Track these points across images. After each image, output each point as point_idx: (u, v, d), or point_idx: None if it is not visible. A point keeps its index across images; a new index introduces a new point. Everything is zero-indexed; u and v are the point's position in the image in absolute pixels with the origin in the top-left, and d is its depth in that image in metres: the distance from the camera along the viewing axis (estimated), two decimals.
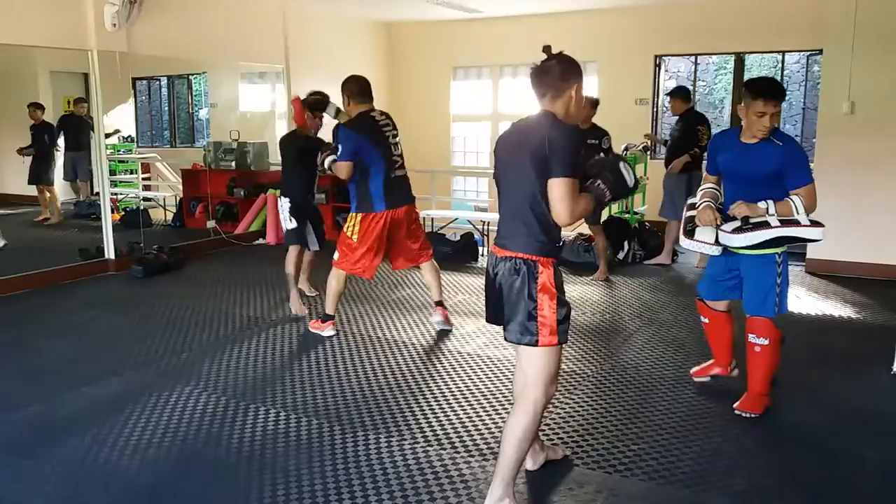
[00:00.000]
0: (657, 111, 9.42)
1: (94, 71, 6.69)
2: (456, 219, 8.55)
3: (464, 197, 11.17)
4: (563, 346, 2.69)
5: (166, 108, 9.79)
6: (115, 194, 7.90)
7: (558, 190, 2.47)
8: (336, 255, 4.80)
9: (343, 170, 4.59)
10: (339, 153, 4.60)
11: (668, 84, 9.52)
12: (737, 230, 3.47)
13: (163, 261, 6.91)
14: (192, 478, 3.10)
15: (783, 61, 9.60)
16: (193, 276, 6.81)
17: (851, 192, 6.46)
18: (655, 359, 4.47)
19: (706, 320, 3.97)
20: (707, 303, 3.91)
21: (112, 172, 7.40)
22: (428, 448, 3.29)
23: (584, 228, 7.05)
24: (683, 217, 3.82)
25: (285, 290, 5.71)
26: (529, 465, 3.02)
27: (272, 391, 4.01)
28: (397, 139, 4.76)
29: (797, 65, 12.03)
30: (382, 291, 6.13)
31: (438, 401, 3.85)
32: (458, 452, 3.25)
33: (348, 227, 4.73)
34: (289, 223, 5.49)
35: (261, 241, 8.37)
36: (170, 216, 9.07)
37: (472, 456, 3.21)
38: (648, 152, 8.10)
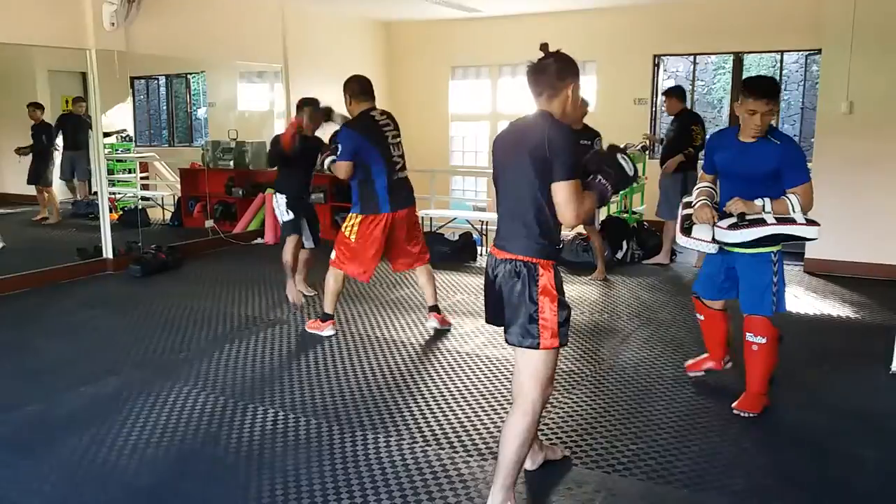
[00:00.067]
0: (656, 111, 9.42)
1: (92, 70, 6.68)
2: (454, 218, 8.56)
3: (462, 196, 11.17)
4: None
5: (164, 108, 9.77)
6: (114, 194, 7.89)
7: (563, 193, 2.46)
8: (333, 255, 4.80)
9: (342, 169, 4.59)
10: (338, 153, 4.59)
11: (666, 84, 9.50)
12: (732, 226, 3.48)
13: (161, 260, 6.90)
14: (191, 477, 3.09)
15: (782, 61, 9.60)
16: (192, 275, 6.81)
17: (850, 191, 6.47)
18: (654, 358, 4.47)
19: (701, 317, 4.00)
20: (704, 301, 3.93)
21: (110, 172, 7.40)
22: (427, 448, 3.29)
23: (583, 227, 7.04)
24: (680, 215, 3.82)
25: (289, 282, 5.79)
26: (528, 465, 3.01)
27: (270, 391, 4.01)
28: (398, 140, 4.72)
29: (796, 64, 12.02)
30: (380, 291, 6.13)
31: (437, 400, 3.85)
32: (457, 452, 3.25)
33: (346, 228, 4.72)
34: (285, 215, 5.57)
35: (259, 240, 8.37)
36: (168, 215, 9.06)
37: (471, 455, 3.21)
38: (647, 152, 8.10)
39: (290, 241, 5.57)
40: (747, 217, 3.45)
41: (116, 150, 7.75)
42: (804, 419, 3.63)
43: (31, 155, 7.84)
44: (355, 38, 10.45)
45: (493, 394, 3.92)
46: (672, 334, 4.93)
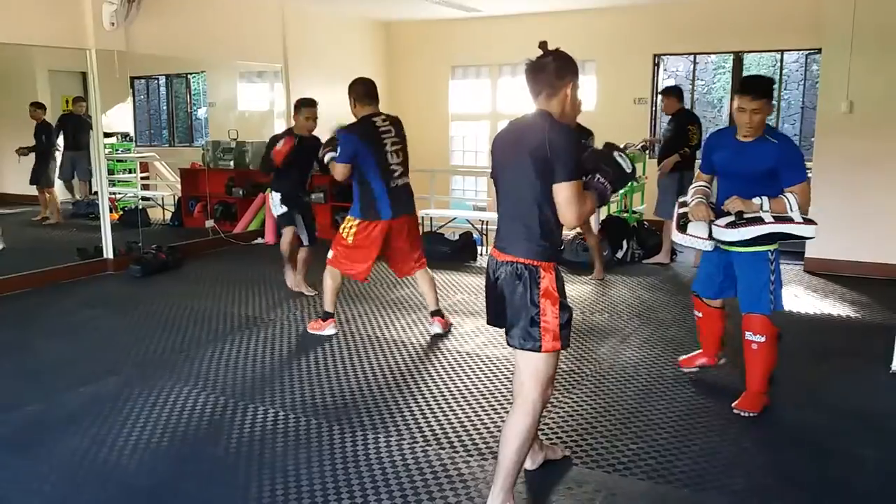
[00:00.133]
0: (656, 110, 9.41)
1: (92, 70, 6.69)
2: (455, 218, 8.56)
3: (462, 196, 11.17)
4: None
5: (165, 108, 9.77)
6: (114, 194, 7.89)
7: (564, 193, 2.44)
8: (330, 254, 4.81)
9: (338, 171, 4.61)
10: (338, 153, 4.60)
11: (667, 83, 9.49)
12: (730, 225, 3.49)
13: (161, 260, 6.90)
14: (191, 477, 3.09)
15: (782, 60, 9.60)
16: (192, 275, 6.81)
17: (850, 191, 6.47)
18: (654, 358, 4.47)
19: (699, 314, 4.03)
20: (703, 300, 3.95)
21: (111, 172, 7.40)
22: (427, 447, 3.29)
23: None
24: (676, 213, 3.84)
25: (287, 270, 6.00)
26: (528, 464, 3.01)
27: (271, 390, 4.01)
28: (398, 146, 4.64)
29: (796, 64, 12.02)
30: (381, 291, 6.13)
31: (437, 400, 3.85)
32: (457, 452, 3.25)
33: (344, 229, 4.72)
34: (279, 209, 5.77)
35: (259, 240, 8.37)
36: (168, 215, 9.06)
37: (471, 455, 3.21)
38: (647, 152, 8.10)
39: (287, 233, 5.82)
40: (745, 216, 3.46)
41: (117, 150, 7.75)
42: (804, 419, 3.63)
43: (32, 155, 7.83)
44: (355, 38, 10.45)
45: (493, 393, 3.92)
46: (672, 334, 4.93)
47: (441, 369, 4.31)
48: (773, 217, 3.42)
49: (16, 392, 4.03)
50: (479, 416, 3.64)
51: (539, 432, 3.16)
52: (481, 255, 7.50)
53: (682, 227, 3.70)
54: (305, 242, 5.89)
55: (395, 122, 4.71)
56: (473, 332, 5.00)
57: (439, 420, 3.59)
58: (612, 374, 4.21)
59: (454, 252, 7.35)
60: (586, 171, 2.60)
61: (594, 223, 6.85)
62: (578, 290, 6.09)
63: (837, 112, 6.46)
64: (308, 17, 9.27)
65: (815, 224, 3.44)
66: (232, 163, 8.64)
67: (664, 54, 9.59)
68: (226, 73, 9.26)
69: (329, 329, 4.96)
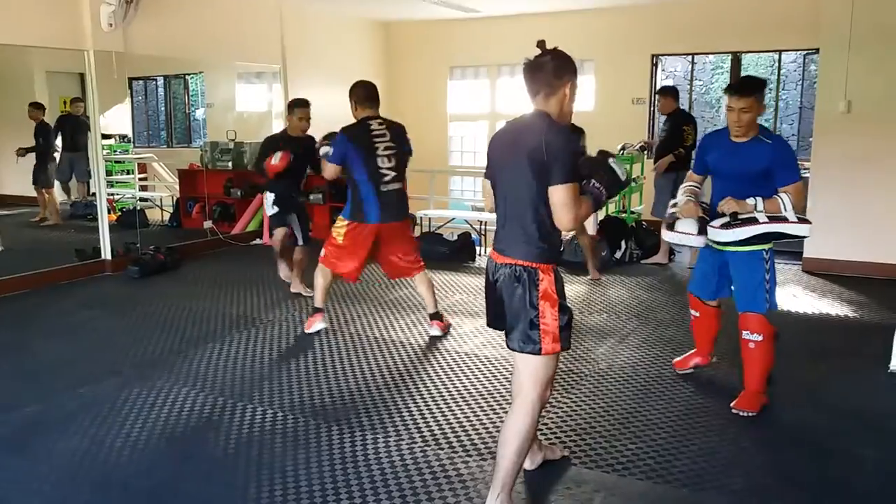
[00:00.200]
0: (654, 110, 9.42)
1: (90, 71, 6.68)
2: (453, 218, 8.56)
3: (461, 197, 11.17)
4: None
5: (163, 108, 9.77)
6: (112, 195, 7.89)
7: (560, 196, 2.42)
8: (322, 252, 4.84)
9: (327, 170, 4.68)
10: (330, 153, 4.64)
11: (665, 84, 9.50)
12: (725, 226, 3.52)
13: (159, 261, 6.89)
14: (190, 478, 3.09)
15: (780, 60, 9.62)
16: (190, 276, 6.80)
17: (848, 190, 6.48)
18: (653, 358, 4.47)
19: (696, 314, 4.05)
20: (702, 300, 3.97)
21: (109, 173, 7.39)
22: (426, 448, 3.29)
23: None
24: (666, 215, 3.86)
25: (280, 264, 6.08)
26: (528, 465, 3.00)
27: (269, 391, 4.01)
28: (391, 151, 4.59)
29: (794, 64, 12.05)
30: (379, 291, 6.13)
31: (436, 400, 3.85)
32: (456, 452, 3.25)
33: (335, 229, 4.75)
34: (271, 209, 5.79)
35: (258, 241, 8.36)
36: (166, 216, 9.06)
37: (470, 455, 3.21)
38: (645, 152, 8.11)
39: (278, 233, 5.87)
40: (740, 216, 3.48)
41: (115, 151, 7.74)
42: (803, 418, 3.63)
43: (31, 156, 7.83)
44: (354, 39, 10.45)
45: (493, 393, 3.92)
46: (671, 334, 4.93)
47: (440, 369, 4.31)
48: (768, 217, 3.44)
49: (15, 393, 4.03)
50: (478, 416, 3.64)
51: (538, 432, 3.16)
52: (480, 255, 7.50)
53: (671, 226, 3.74)
54: (300, 242, 5.91)
55: (393, 127, 4.69)
56: (472, 332, 5.00)
57: (438, 420, 3.59)
58: (611, 374, 4.21)
59: (453, 252, 7.35)
60: (581, 176, 2.57)
61: (591, 224, 6.86)
62: (577, 290, 6.09)
63: (835, 112, 6.47)
64: (306, 18, 9.27)
65: (810, 223, 3.48)
66: (230, 164, 8.63)
67: (662, 54, 9.60)
68: (224, 74, 9.26)
69: (318, 324, 5.00)
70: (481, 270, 6.69)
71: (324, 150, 4.75)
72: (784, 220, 3.43)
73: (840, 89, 6.42)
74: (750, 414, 3.60)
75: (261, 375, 4.26)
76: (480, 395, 3.90)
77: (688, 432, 3.44)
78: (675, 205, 3.80)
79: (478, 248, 7.64)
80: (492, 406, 3.75)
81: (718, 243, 3.63)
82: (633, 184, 7.72)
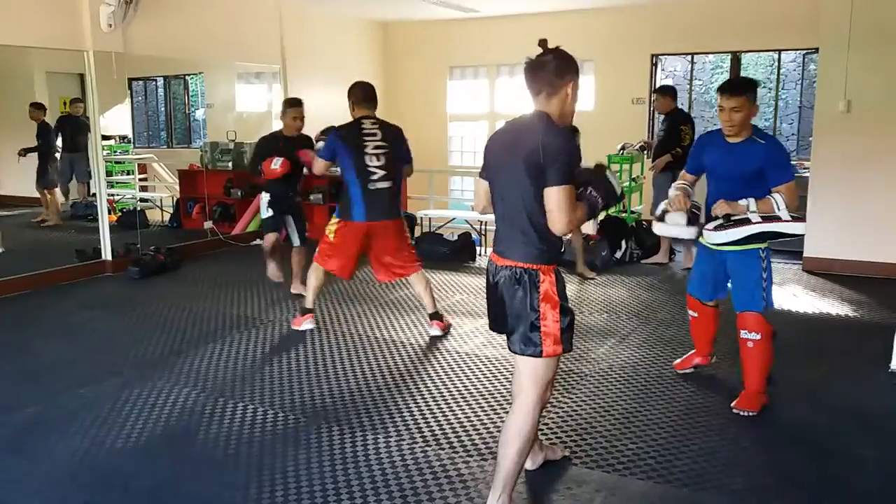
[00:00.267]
0: (654, 110, 9.42)
1: (89, 72, 6.68)
2: (453, 219, 8.55)
3: (461, 197, 11.16)
4: None
5: (163, 109, 9.77)
6: (112, 195, 7.88)
7: (556, 198, 2.40)
8: (317, 250, 4.89)
9: (316, 166, 4.81)
10: (322, 150, 4.74)
11: (664, 83, 9.50)
12: (718, 227, 3.57)
13: (159, 262, 6.89)
14: (190, 478, 3.09)
15: (779, 60, 9.61)
16: (190, 276, 6.80)
17: (848, 190, 6.48)
18: (653, 357, 4.47)
19: (695, 314, 4.06)
20: (698, 300, 3.99)
21: (109, 173, 7.39)
22: (427, 448, 3.29)
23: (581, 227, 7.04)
24: (657, 211, 3.91)
25: (269, 263, 6.00)
26: (529, 465, 3.00)
27: (270, 391, 4.01)
28: (382, 151, 4.62)
29: (793, 63, 12.04)
30: (380, 291, 6.13)
31: (437, 400, 3.85)
32: (457, 452, 3.25)
33: (328, 227, 4.81)
34: (265, 212, 5.79)
35: (258, 241, 8.33)
36: (167, 217, 9.06)
37: (471, 455, 3.21)
38: (645, 152, 8.11)
39: (269, 238, 5.85)
40: (732, 218, 3.54)
41: (115, 151, 7.74)
42: (803, 418, 3.63)
43: (34, 156, 7.82)
44: (353, 39, 10.45)
45: (493, 394, 3.92)
46: (671, 333, 4.93)
47: (441, 370, 4.31)
48: (761, 217, 3.49)
49: (15, 393, 4.03)
50: (479, 416, 3.64)
51: (539, 432, 3.16)
52: (480, 255, 7.50)
53: (660, 218, 3.79)
54: (296, 243, 5.91)
55: (388, 129, 4.72)
56: (473, 332, 5.00)
57: (439, 420, 3.59)
58: (612, 374, 4.21)
59: (453, 253, 7.35)
60: (577, 184, 2.54)
61: (591, 224, 6.86)
62: (577, 290, 6.09)
63: (835, 111, 6.47)
64: (306, 18, 9.27)
65: (804, 221, 3.52)
66: (230, 164, 8.63)
67: (662, 54, 9.60)
68: (224, 75, 9.25)
69: (306, 324, 5.04)
70: (482, 270, 6.70)
71: (319, 144, 4.82)
72: (777, 219, 3.47)
73: (840, 89, 6.42)
74: (750, 414, 3.60)
75: (261, 376, 4.26)
76: (481, 396, 3.90)
77: (688, 432, 3.44)
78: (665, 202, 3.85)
79: (478, 248, 7.64)
80: (492, 406, 3.75)
81: (715, 245, 3.66)
82: (633, 183, 7.73)
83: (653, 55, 9.40)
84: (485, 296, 2.79)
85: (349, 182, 4.64)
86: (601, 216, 7.28)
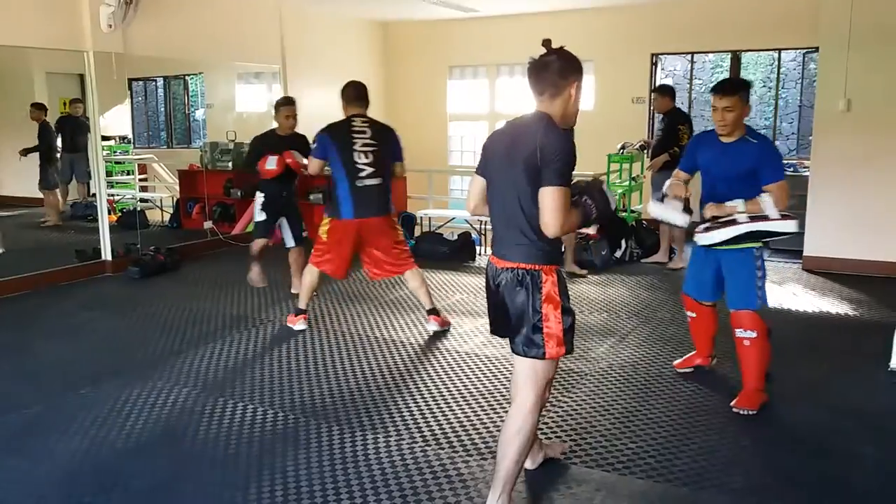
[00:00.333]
0: (653, 110, 9.42)
1: (89, 72, 6.68)
2: (453, 218, 8.56)
3: (461, 196, 11.15)
4: None
5: (163, 109, 9.76)
6: (112, 195, 7.88)
7: (550, 199, 2.37)
8: (312, 251, 4.91)
9: (311, 165, 4.85)
10: (315, 149, 4.79)
11: (664, 83, 9.51)
12: (707, 229, 3.65)
13: (159, 262, 6.90)
14: (190, 479, 3.09)
15: (779, 59, 9.61)
16: (190, 276, 6.81)
17: (847, 188, 6.49)
18: (653, 357, 4.47)
19: (693, 315, 4.08)
20: (695, 300, 4.00)
21: (109, 174, 7.39)
22: (426, 447, 3.30)
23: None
24: (653, 198, 3.98)
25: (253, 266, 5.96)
26: (528, 464, 3.01)
27: (270, 391, 4.01)
28: (371, 148, 4.66)
29: (793, 62, 12.03)
30: (379, 291, 6.13)
31: (437, 400, 3.85)
32: (457, 452, 3.25)
33: (321, 227, 4.84)
34: (258, 216, 5.75)
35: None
36: (166, 217, 9.05)
37: (471, 455, 3.21)
38: (645, 151, 8.11)
39: (257, 243, 5.80)
40: (720, 219, 3.59)
41: (115, 151, 7.73)
42: (803, 417, 3.63)
43: (35, 157, 7.82)
44: (353, 39, 10.45)
45: (493, 393, 3.92)
46: (671, 332, 4.93)
47: (440, 369, 4.31)
48: (749, 217, 3.53)
49: (15, 394, 4.03)
50: (479, 415, 3.64)
51: (538, 432, 3.16)
52: (480, 255, 7.50)
53: (661, 199, 3.84)
54: (289, 244, 5.87)
55: (378, 128, 4.76)
56: (472, 331, 5.00)
57: (438, 420, 3.60)
58: (611, 373, 4.21)
59: (453, 252, 7.36)
60: (574, 191, 2.52)
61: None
62: (577, 289, 6.09)
63: (835, 110, 6.47)
64: (306, 18, 9.27)
65: (794, 219, 3.54)
66: (230, 164, 8.63)
67: (662, 53, 9.60)
68: (223, 75, 9.25)
69: (299, 324, 5.06)
70: (481, 270, 6.70)
71: (314, 145, 4.85)
72: (765, 218, 3.51)
73: (839, 88, 6.42)
74: (750, 412, 3.60)
75: (261, 375, 4.26)
76: (481, 395, 3.90)
77: (688, 431, 3.44)
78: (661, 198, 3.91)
79: (478, 248, 7.64)
80: (492, 406, 3.76)
81: (706, 246, 3.71)
82: (633, 182, 7.74)
83: (653, 54, 9.39)
84: (485, 296, 2.78)
85: (337, 179, 4.68)
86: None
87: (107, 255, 6.96)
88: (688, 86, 10.08)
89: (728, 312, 3.76)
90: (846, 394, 3.91)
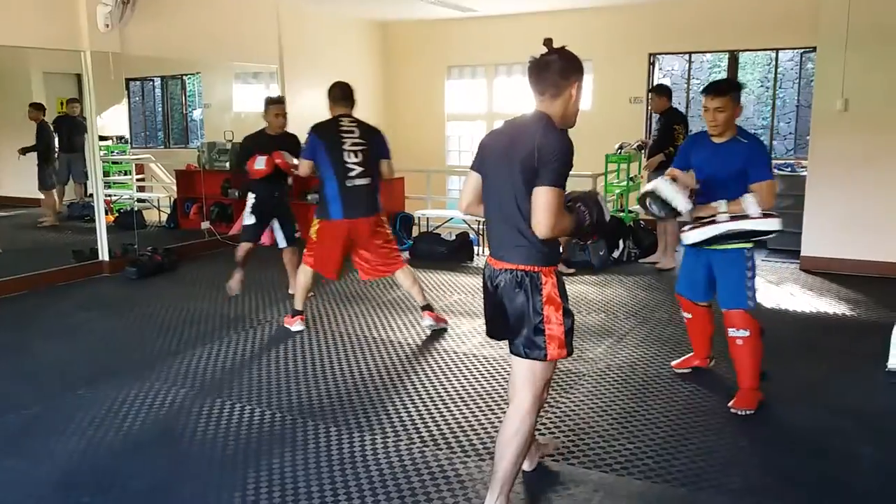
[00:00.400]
0: (651, 110, 9.42)
1: (87, 72, 6.67)
2: (451, 218, 8.55)
3: (459, 196, 11.15)
4: None
5: (160, 109, 9.76)
6: (109, 196, 7.86)
7: (544, 199, 2.35)
8: (304, 252, 4.92)
9: (301, 167, 4.87)
10: (304, 150, 4.80)
11: (662, 83, 9.51)
12: (690, 229, 3.69)
13: (157, 262, 6.89)
14: (188, 479, 3.09)
15: (777, 59, 9.62)
16: (188, 277, 6.80)
17: (845, 188, 6.49)
18: (651, 357, 4.47)
19: (689, 316, 4.09)
20: (689, 300, 4.02)
21: (106, 174, 7.38)
22: (424, 448, 3.29)
23: None
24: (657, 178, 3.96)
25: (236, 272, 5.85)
26: (526, 465, 3.01)
27: (267, 392, 4.01)
28: (359, 147, 4.66)
29: (791, 62, 12.05)
30: (378, 292, 6.13)
31: (434, 401, 3.84)
32: (455, 452, 3.25)
33: (312, 228, 4.84)
34: (248, 219, 5.69)
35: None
36: (164, 217, 9.04)
37: (469, 456, 3.21)
38: (642, 151, 8.11)
39: (243, 247, 5.72)
40: (703, 220, 3.64)
41: (112, 151, 7.72)
42: (801, 417, 3.63)
43: (33, 157, 7.81)
44: (351, 39, 10.44)
45: (491, 394, 3.92)
46: (669, 333, 4.93)
47: (438, 370, 4.31)
48: (730, 216, 3.55)
49: (13, 394, 4.02)
50: (477, 416, 3.64)
51: (535, 432, 3.16)
52: (478, 255, 7.50)
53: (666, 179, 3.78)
54: (281, 245, 5.80)
55: (363, 126, 4.76)
56: (470, 332, 5.00)
57: (437, 421, 3.59)
58: (609, 373, 4.21)
59: (451, 252, 7.35)
60: (568, 199, 2.51)
61: None
62: (575, 289, 6.09)
63: (833, 110, 6.48)
64: (303, 18, 9.26)
65: (777, 217, 3.56)
66: (227, 164, 8.61)
67: (660, 53, 9.60)
68: (221, 75, 9.24)
69: (296, 325, 5.05)
70: (479, 270, 6.69)
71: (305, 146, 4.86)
72: (746, 217, 3.53)
73: (837, 88, 6.43)
74: (748, 412, 3.60)
75: (258, 376, 4.25)
76: (479, 396, 3.90)
77: (686, 431, 3.44)
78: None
79: (476, 248, 7.64)
80: (490, 406, 3.75)
81: (688, 244, 3.75)
82: (630, 182, 7.74)
83: (650, 54, 9.40)
84: (483, 296, 2.76)
85: (326, 179, 4.68)
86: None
87: (104, 255, 6.96)
88: (685, 86, 10.09)
89: (718, 313, 3.77)
90: (844, 394, 3.91)
